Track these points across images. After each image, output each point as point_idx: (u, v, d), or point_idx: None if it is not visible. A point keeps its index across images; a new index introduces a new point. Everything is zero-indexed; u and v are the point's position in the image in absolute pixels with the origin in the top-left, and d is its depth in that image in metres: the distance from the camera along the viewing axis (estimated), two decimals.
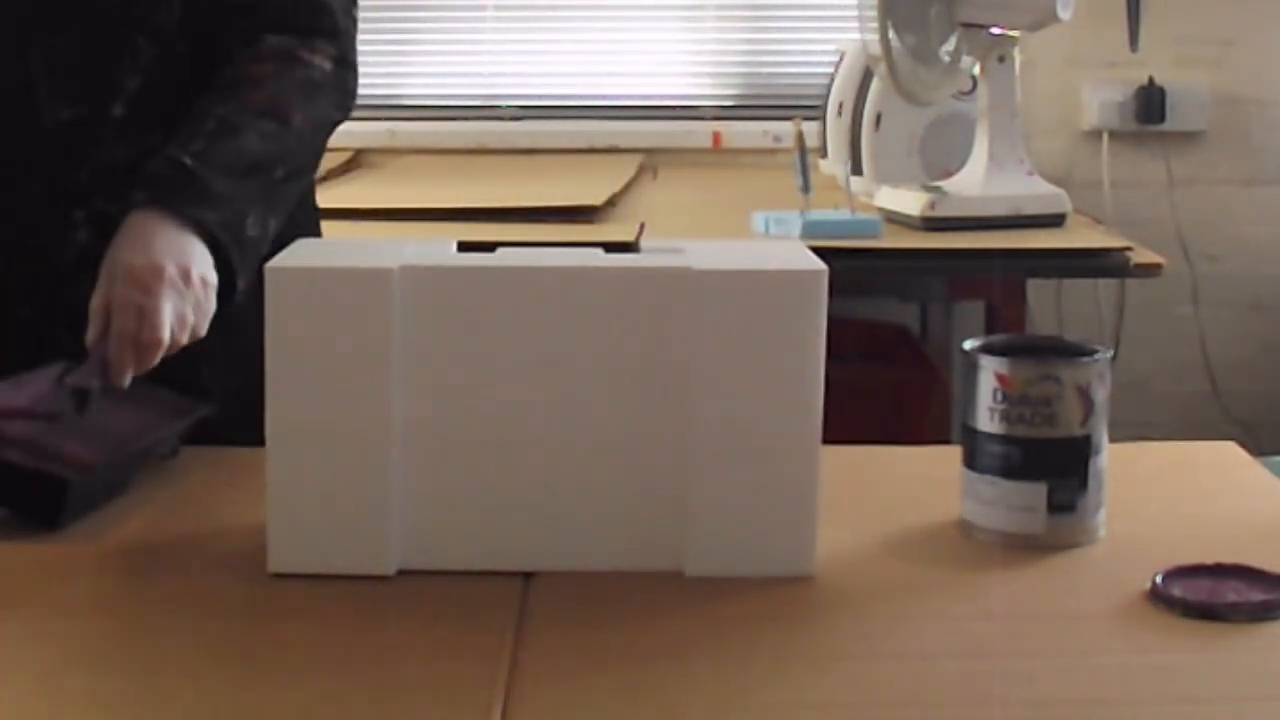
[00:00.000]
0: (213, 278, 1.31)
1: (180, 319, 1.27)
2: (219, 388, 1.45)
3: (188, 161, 1.33)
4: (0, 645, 0.97)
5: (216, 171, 1.34)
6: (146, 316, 1.25)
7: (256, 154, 1.38)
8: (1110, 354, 1.13)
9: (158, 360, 1.26)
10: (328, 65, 1.46)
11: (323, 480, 1.05)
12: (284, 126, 1.40)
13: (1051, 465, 1.11)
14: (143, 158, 1.39)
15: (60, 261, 1.43)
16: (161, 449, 1.29)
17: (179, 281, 1.28)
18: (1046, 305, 3.29)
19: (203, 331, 1.30)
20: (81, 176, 1.44)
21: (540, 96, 3.49)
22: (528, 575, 1.07)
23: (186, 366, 1.33)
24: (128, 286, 1.26)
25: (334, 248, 1.14)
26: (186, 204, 1.32)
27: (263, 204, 1.38)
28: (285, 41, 1.44)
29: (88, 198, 1.43)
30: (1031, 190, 2.54)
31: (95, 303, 1.27)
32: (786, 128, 2.86)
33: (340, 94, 1.48)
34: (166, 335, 1.25)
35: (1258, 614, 1.00)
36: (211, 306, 1.31)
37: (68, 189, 1.44)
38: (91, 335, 1.26)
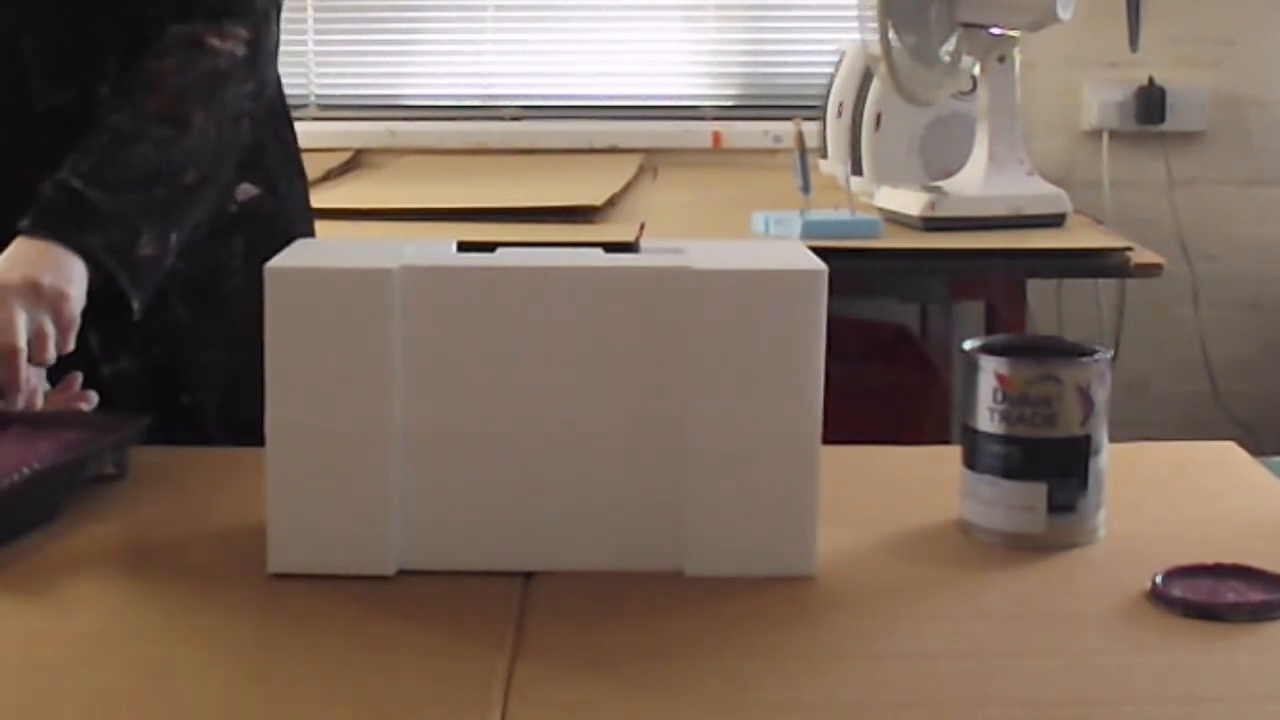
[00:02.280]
0: (74, 290, 1.29)
1: (37, 328, 1.26)
2: (217, 368, 1.45)
3: (76, 184, 1.32)
4: (0, 644, 0.97)
5: (106, 191, 1.32)
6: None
7: (154, 164, 1.35)
8: (1110, 354, 1.13)
9: (20, 370, 1.25)
10: (239, 50, 1.43)
11: (323, 480, 1.05)
12: (183, 130, 1.38)
13: (1051, 465, 1.11)
14: None
15: None
16: (97, 468, 1.24)
17: (27, 291, 1.26)
18: (1046, 305, 3.29)
19: (68, 346, 1.28)
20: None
21: (540, 96, 3.49)
22: (528, 575, 1.07)
23: (180, 350, 1.32)
24: None
25: (334, 248, 1.13)
26: (69, 231, 1.30)
27: (161, 216, 1.35)
28: (192, 30, 1.41)
29: None
30: (1031, 190, 2.54)
31: None
32: (786, 128, 2.86)
33: (254, 81, 1.45)
34: (21, 341, 1.24)
35: (1258, 614, 0.99)
36: (74, 319, 1.29)
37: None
38: None
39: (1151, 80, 3.35)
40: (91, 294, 1.31)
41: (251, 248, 1.54)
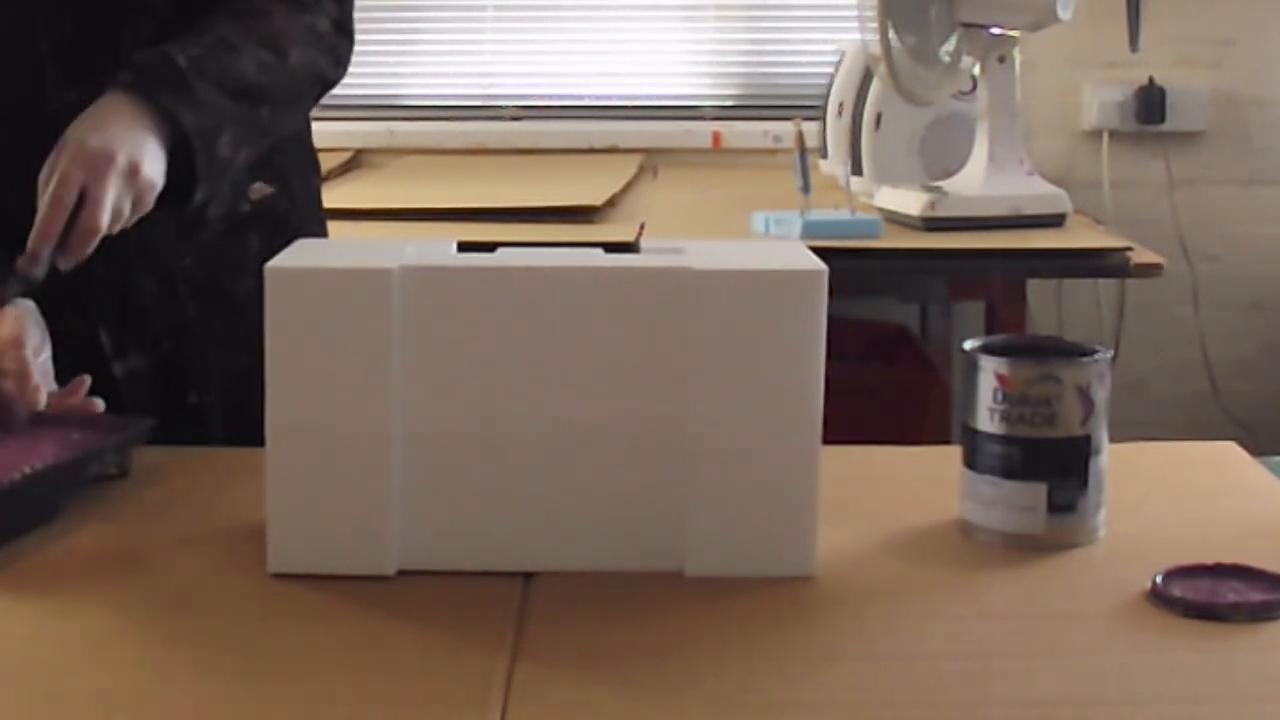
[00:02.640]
0: (159, 182, 1.30)
1: (118, 212, 1.26)
2: (226, 369, 1.45)
3: (180, 61, 1.33)
4: (0, 644, 0.97)
5: (207, 80, 1.33)
6: (90, 200, 1.24)
7: (249, 79, 1.37)
8: (1110, 354, 1.13)
9: (89, 250, 1.24)
10: (328, 26, 1.46)
11: (323, 480, 1.05)
12: (281, 61, 1.40)
13: (1051, 465, 1.11)
14: None
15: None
16: (99, 468, 1.24)
17: (128, 172, 1.26)
18: (1046, 305, 3.29)
19: (119, 227, 1.29)
20: None
21: (540, 96, 3.49)
22: (528, 575, 1.07)
23: (190, 349, 1.32)
24: (77, 166, 1.25)
25: (334, 248, 1.14)
26: (167, 97, 1.31)
27: (242, 128, 1.37)
28: None
29: None
30: (1031, 190, 2.54)
31: (42, 177, 1.26)
32: (786, 128, 2.86)
33: (334, 56, 1.48)
34: (105, 223, 1.24)
35: (1258, 614, 0.99)
36: (147, 209, 1.29)
37: None
38: (40, 212, 1.24)
39: (1151, 80, 3.34)
40: (102, 295, 1.30)
41: (265, 247, 1.53)
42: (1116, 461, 1.14)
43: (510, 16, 3.48)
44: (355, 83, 3.50)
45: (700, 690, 0.91)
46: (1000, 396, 1.11)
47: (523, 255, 1.10)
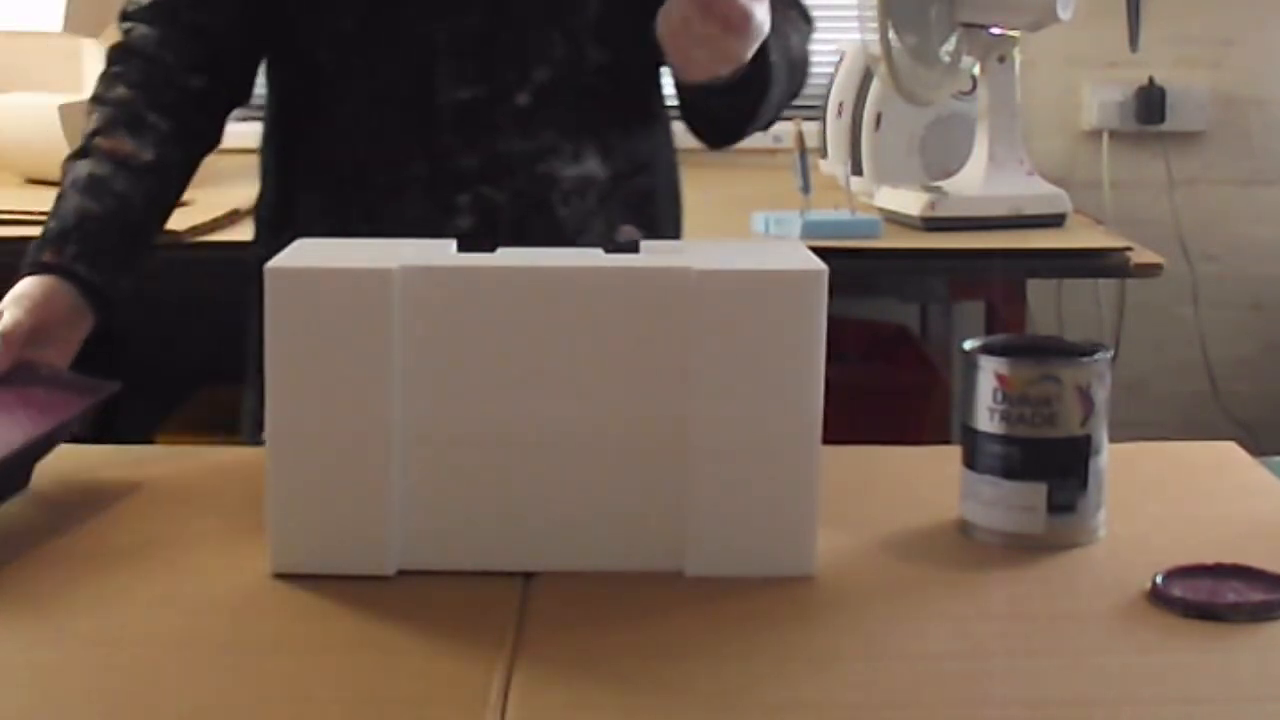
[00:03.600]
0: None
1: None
2: None
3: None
4: (0, 645, 0.97)
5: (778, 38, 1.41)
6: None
7: (796, 54, 1.48)
8: (1110, 354, 1.13)
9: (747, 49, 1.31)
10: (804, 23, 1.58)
11: (323, 481, 1.05)
12: (803, 56, 1.52)
13: (1051, 465, 1.11)
14: (535, 154, 1.41)
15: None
16: (67, 436, 1.24)
17: None
18: (1046, 305, 3.29)
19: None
20: (471, 161, 1.43)
21: None
22: (528, 575, 1.06)
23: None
24: None
25: (334, 248, 1.13)
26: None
27: (784, 89, 1.48)
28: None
29: (474, 183, 1.43)
30: (1031, 190, 2.54)
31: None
32: (786, 127, 2.85)
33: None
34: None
35: (1258, 614, 0.99)
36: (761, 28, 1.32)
37: (454, 172, 1.43)
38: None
39: (1151, 80, 3.34)
40: None
41: None
42: (1116, 461, 1.14)
43: None
44: None
45: (700, 690, 0.91)
46: (1000, 396, 1.11)
47: (523, 255, 1.10)
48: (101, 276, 1.36)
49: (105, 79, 1.48)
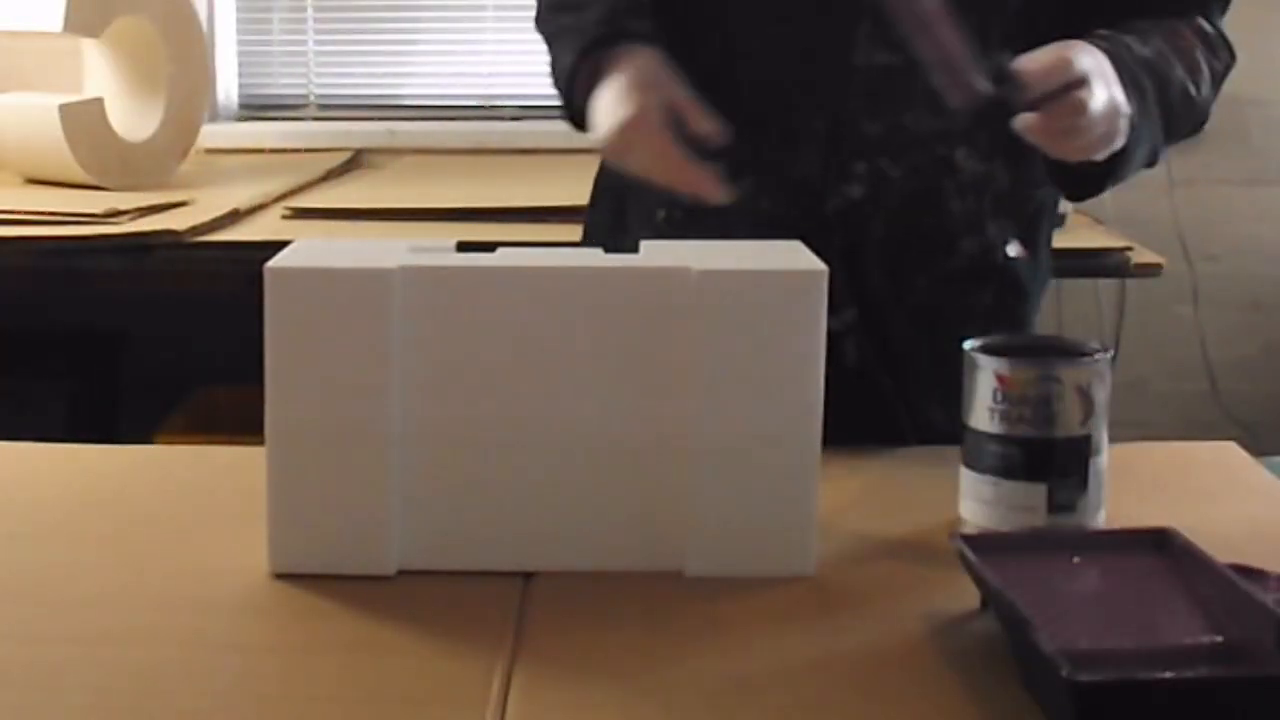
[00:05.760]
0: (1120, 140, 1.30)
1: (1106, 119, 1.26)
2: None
3: (1140, 53, 1.34)
4: (0, 645, 0.97)
5: (1150, 78, 1.34)
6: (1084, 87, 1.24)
7: (1172, 100, 1.38)
8: (1110, 354, 1.13)
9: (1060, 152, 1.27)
10: (1222, 69, 1.51)
11: (323, 481, 1.05)
12: (1193, 95, 1.40)
13: (1051, 465, 1.11)
14: (945, 134, 1.38)
15: (824, 210, 1.39)
16: None
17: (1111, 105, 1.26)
18: (1046, 305, 3.28)
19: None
20: (874, 128, 1.39)
21: (540, 96, 3.48)
22: (527, 575, 1.07)
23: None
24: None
25: (334, 248, 1.13)
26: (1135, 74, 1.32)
27: (1163, 141, 1.38)
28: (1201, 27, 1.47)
29: (873, 153, 1.39)
30: None
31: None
32: None
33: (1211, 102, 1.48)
34: (1093, 110, 1.24)
35: None
36: (1114, 143, 1.29)
37: (856, 137, 1.39)
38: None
39: None
40: None
41: (998, 305, 1.48)
42: (1116, 461, 1.14)
43: (510, 16, 3.47)
44: (355, 83, 3.53)
45: (700, 690, 0.91)
46: (1000, 396, 1.11)
47: (523, 255, 1.10)
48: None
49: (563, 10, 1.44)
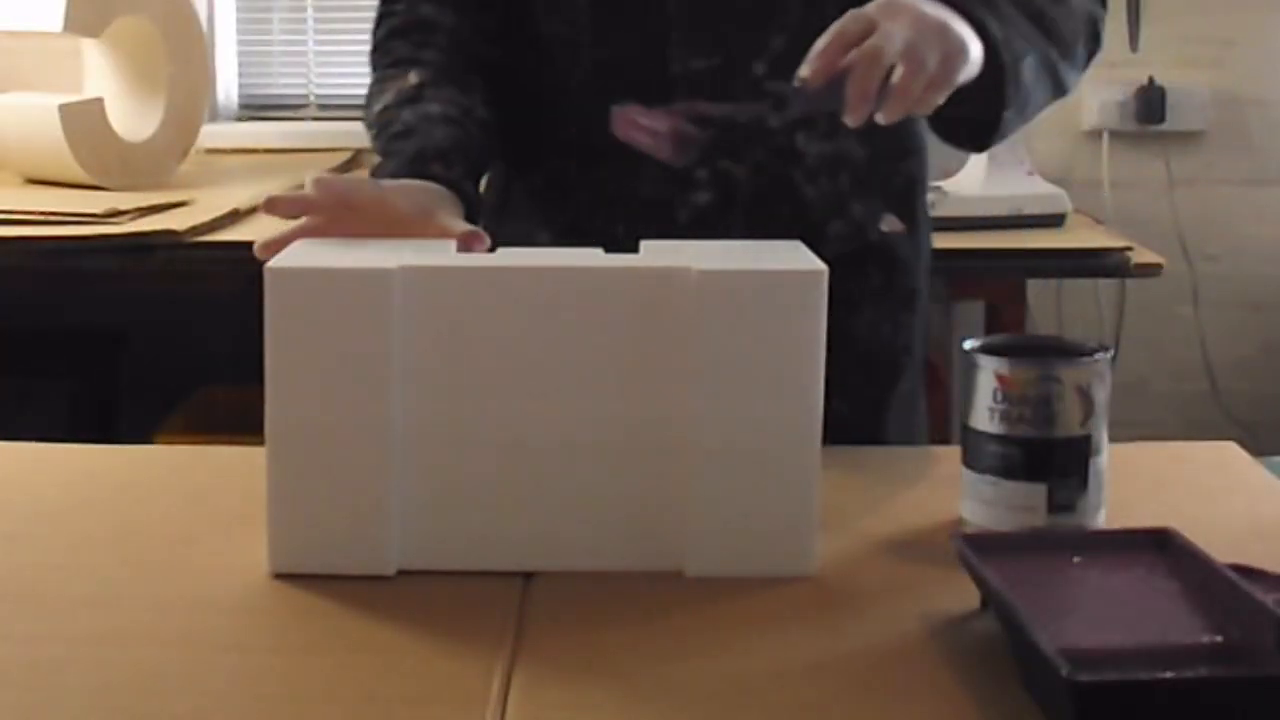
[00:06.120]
0: (970, 52, 1.20)
1: (915, 53, 1.16)
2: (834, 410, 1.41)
3: None
4: (0, 645, 0.97)
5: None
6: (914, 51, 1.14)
7: (1040, 5, 1.31)
8: (1110, 354, 1.13)
9: (898, 114, 1.16)
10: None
11: (322, 481, 1.05)
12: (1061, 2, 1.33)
13: (1051, 465, 1.11)
14: (778, 126, 1.35)
15: (674, 223, 1.39)
16: None
17: (927, 29, 1.17)
18: (1046, 305, 3.29)
19: (934, 97, 1.18)
20: (704, 134, 1.35)
21: None
22: (527, 575, 1.07)
23: None
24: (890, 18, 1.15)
25: (334, 248, 1.13)
26: (974, 4, 1.23)
27: (1039, 58, 1.29)
28: None
29: (713, 157, 1.38)
30: (1031, 190, 2.54)
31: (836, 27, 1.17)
32: None
33: (1098, 22, 1.41)
34: (890, 53, 1.14)
35: None
36: (951, 76, 1.19)
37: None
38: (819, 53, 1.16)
39: (1151, 80, 3.34)
40: None
41: (885, 285, 1.47)
42: (1116, 461, 1.14)
43: None
44: (355, 83, 3.52)
45: (700, 690, 0.91)
46: (1000, 396, 1.11)
47: (523, 255, 1.10)
48: (476, 195, 1.32)
49: (407, 43, 1.43)
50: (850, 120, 1.17)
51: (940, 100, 1.20)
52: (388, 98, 1.40)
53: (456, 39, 1.43)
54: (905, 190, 1.50)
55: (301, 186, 1.18)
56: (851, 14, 1.18)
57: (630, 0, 1.41)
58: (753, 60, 1.38)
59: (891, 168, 1.47)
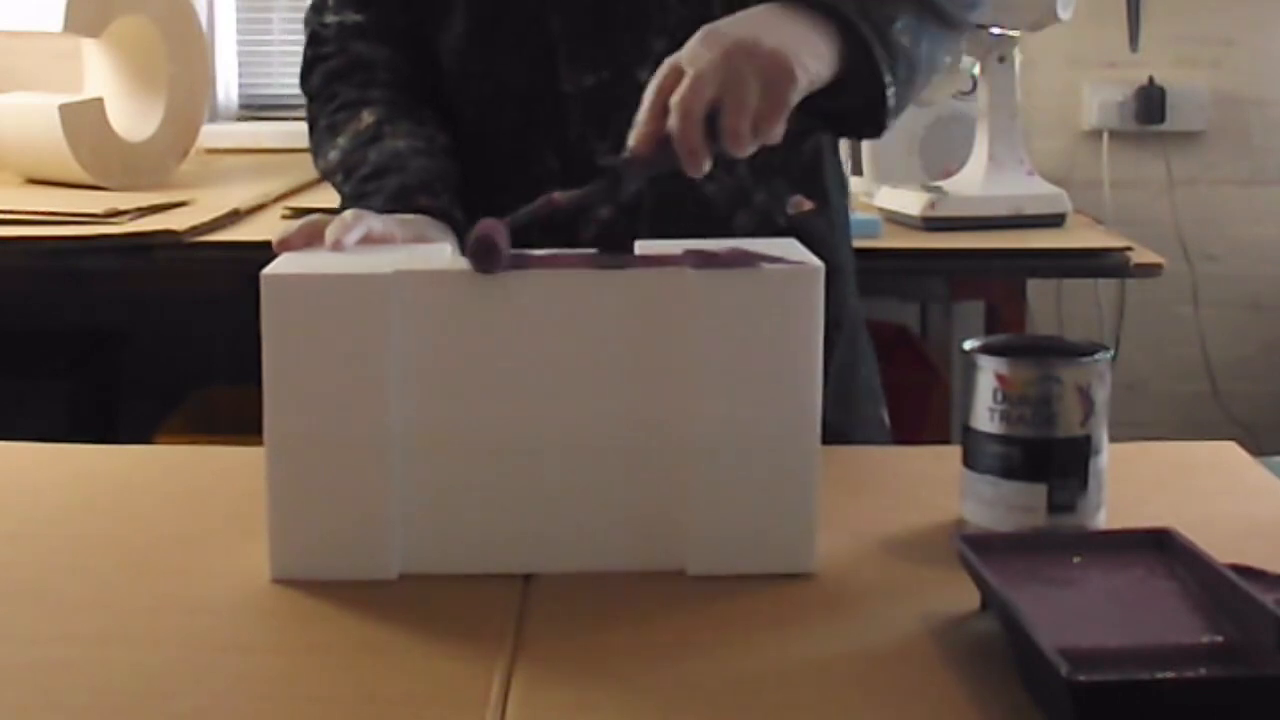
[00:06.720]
0: (805, 62, 1.15)
1: (737, 87, 1.12)
2: None
3: None
4: (0, 645, 0.97)
5: None
6: (732, 92, 1.11)
7: None
8: (1110, 354, 1.13)
9: (745, 151, 1.13)
10: None
11: (322, 487, 1.05)
12: None
13: (1051, 465, 1.11)
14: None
15: (579, 238, 1.37)
16: None
17: (735, 51, 1.13)
18: (1046, 305, 3.29)
19: (771, 128, 1.14)
20: (603, 147, 1.37)
21: None
22: (528, 576, 1.06)
23: None
24: (714, 53, 1.11)
25: (329, 255, 1.13)
26: None
27: (915, 12, 1.24)
28: None
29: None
30: (1031, 190, 2.54)
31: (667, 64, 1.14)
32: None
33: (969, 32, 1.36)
34: (700, 103, 1.11)
35: None
36: (787, 98, 1.15)
37: (588, 162, 1.36)
38: (643, 111, 1.14)
39: (1151, 80, 3.35)
40: None
41: None
42: (1116, 461, 1.14)
43: None
44: None
45: (700, 690, 0.91)
46: (1000, 396, 1.11)
47: (519, 257, 1.10)
48: (464, 221, 1.31)
49: (349, 85, 1.44)
50: (692, 174, 1.15)
51: (779, 129, 1.16)
52: (343, 141, 1.41)
53: (398, 75, 1.45)
54: (811, 167, 1.47)
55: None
56: (665, 64, 1.16)
57: (507, 27, 1.40)
58: (637, 68, 1.36)
59: (791, 149, 1.42)
